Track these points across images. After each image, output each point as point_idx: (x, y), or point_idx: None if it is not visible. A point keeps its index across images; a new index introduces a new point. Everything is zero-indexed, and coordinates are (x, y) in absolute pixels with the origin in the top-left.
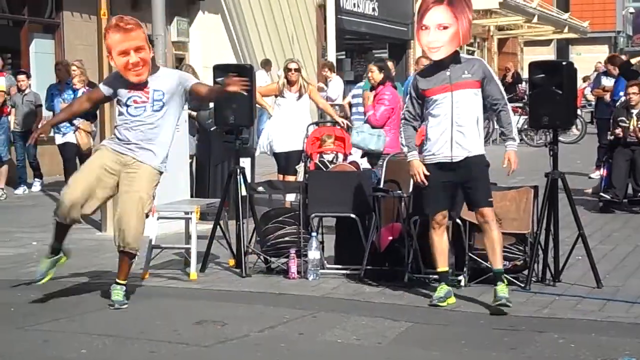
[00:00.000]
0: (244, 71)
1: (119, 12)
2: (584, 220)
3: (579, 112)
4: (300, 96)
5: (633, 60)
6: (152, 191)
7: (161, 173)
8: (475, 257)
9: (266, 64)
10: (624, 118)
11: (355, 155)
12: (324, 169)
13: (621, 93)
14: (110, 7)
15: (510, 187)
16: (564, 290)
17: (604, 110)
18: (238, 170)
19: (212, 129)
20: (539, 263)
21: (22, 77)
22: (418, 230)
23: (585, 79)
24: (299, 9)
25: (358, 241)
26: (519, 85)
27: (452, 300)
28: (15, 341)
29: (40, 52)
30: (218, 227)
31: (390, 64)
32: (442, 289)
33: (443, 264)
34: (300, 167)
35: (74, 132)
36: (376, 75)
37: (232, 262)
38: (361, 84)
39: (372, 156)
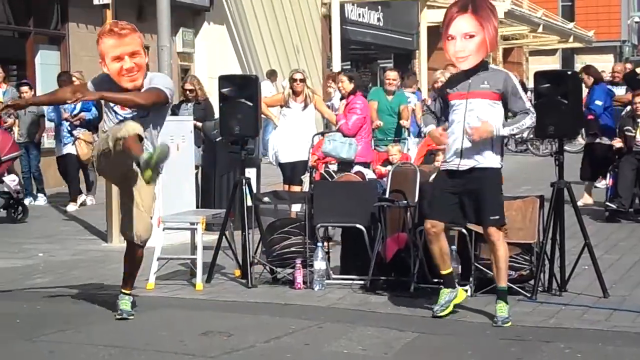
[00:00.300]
0: (249, 82)
1: None
2: (589, 229)
3: None
4: (305, 106)
5: (638, 70)
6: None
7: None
8: (481, 267)
9: (272, 75)
10: (630, 127)
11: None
12: (330, 179)
13: (597, 102)
14: (116, 18)
15: (516, 196)
16: (570, 300)
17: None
18: (244, 181)
19: (217, 140)
20: (545, 273)
21: (25, 88)
22: (424, 240)
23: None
24: (304, 20)
25: (364, 251)
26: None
27: (461, 297)
28: (21, 352)
29: (45, 63)
30: (224, 237)
31: (395, 74)
32: (443, 295)
33: (445, 268)
34: (306, 178)
35: (73, 144)
36: (346, 85)
37: (237, 272)
38: (410, 91)
39: (344, 164)
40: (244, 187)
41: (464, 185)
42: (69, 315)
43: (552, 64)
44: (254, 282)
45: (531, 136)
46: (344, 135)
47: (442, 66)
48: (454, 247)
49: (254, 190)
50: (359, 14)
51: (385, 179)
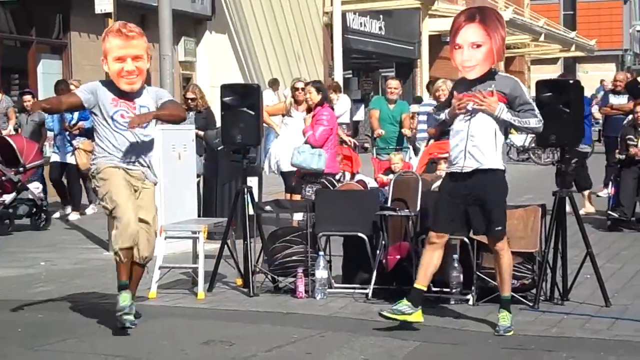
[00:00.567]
0: (251, 91)
1: None
2: (592, 238)
3: None
4: None
5: None
6: (156, 206)
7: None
8: (483, 276)
9: (274, 84)
10: (632, 136)
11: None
12: (332, 188)
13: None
14: None
15: (518, 205)
16: (573, 309)
17: (612, 129)
18: (245, 190)
19: (219, 148)
20: (547, 282)
21: (28, 97)
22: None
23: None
24: (306, 29)
25: (366, 260)
26: None
27: (418, 317)
28: None
29: (47, 72)
30: (225, 246)
31: (396, 82)
32: (399, 303)
33: (421, 281)
34: None
35: (73, 153)
36: (314, 96)
37: (239, 281)
38: (428, 102)
39: (313, 175)
40: (245, 196)
41: (469, 193)
42: (70, 324)
43: (554, 72)
44: (256, 291)
45: (533, 145)
46: (312, 147)
47: (443, 75)
48: (455, 256)
49: (256, 199)
50: (361, 23)
51: (387, 188)
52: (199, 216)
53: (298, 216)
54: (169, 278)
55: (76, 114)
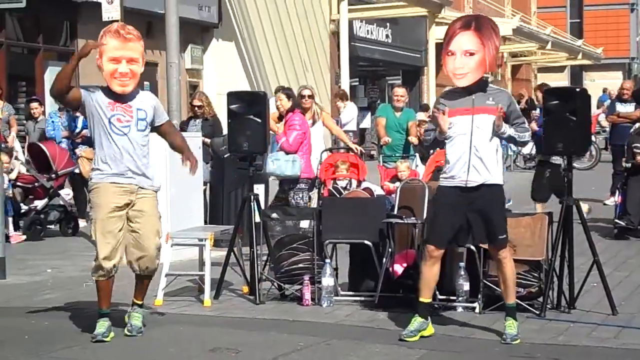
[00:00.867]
0: (258, 98)
1: None
2: (598, 247)
3: (593, 138)
4: (313, 123)
5: None
6: (159, 212)
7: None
8: (490, 284)
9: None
10: (639, 145)
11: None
12: (338, 196)
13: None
14: None
15: (524, 213)
16: (579, 317)
17: (619, 137)
18: (252, 197)
19: (225, 156)
20: (554, 290)
21: (35, 104)
22: None
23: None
24: (313, 36)
25: (372, 268)
26: (533, 111)
27: (429, 331)
28: None
29: None
30: (232, 253)
31: (403, 90)
32: (415, 322)
33: (426, 295)
34: (314, 194)
35: (76, 162)
36: (285, 103)
37: (245, 289)
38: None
39: (289, 182)
40: (252, 203)
41: (470, 204)
42: (76, 331)
43: (561, 80)
44: (262, 299)
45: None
46: (287, 153)
47: (450, 83)
48: (462, 264)
49: (262, 207)
50: (368, 31)
51: (393, 196)
52: (205, 224)
53: (305, 223)
54: (176, 285)
55: (80, 122)
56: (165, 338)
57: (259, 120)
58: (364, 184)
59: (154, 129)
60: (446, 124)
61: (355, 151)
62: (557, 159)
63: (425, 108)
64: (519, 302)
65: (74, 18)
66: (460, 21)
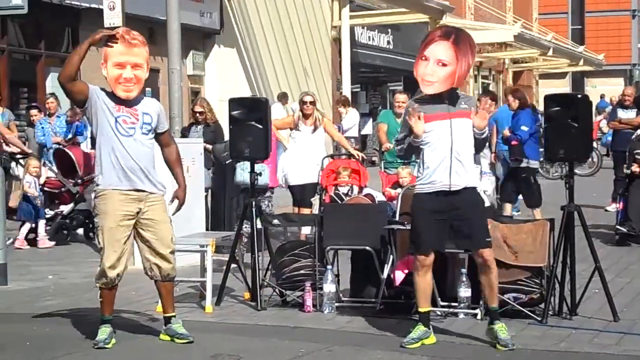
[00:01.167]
0: (259, 104)
1: None
2: (600, 253)
3: (594, 144)
4: (315, 129)
5: None
6: (169, 218)
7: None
8: None
9: (283, 97)
10: None
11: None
12: (339, 202)
13: (523, 127)
14: None
15: (526, 219)
16: (581, 323)
17: (621, 143)
18: (253, 203)
19: (227, 162)
20: (556, 296)
21: (34, 111)
22: (434, 264)
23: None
24: (314, 42)
25: (374, 274)
26: None
27: (431, 340)
28: None
29: (56, 86)
30: (233, 260)
31: (404, 96)
32: (418, 330)
33: (424, 305)
34: (316, 200)
35: None
36: None
37: (247, 295)
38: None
39: (257, 191)
40: (253, 210)
41: (453, 209)
42: (78, 338)
43: (562, 87)
44: (264, 305)
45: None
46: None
47: (462, 85)
48: (464, 270)
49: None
50: (369, 37)
51: (395, 202)
52: (207, 230)
53: (306, 230)
54: (177, 292)
55: (73, 129)
56: (167, 344)
57: (261, 126)
58: (366, 190)
59: (155, 136)
60: (421, 127)
61: (357, 157)
62: (534, 163)
63: None
64: (521, 308)
65: (76, 24)
66: (440, 30)
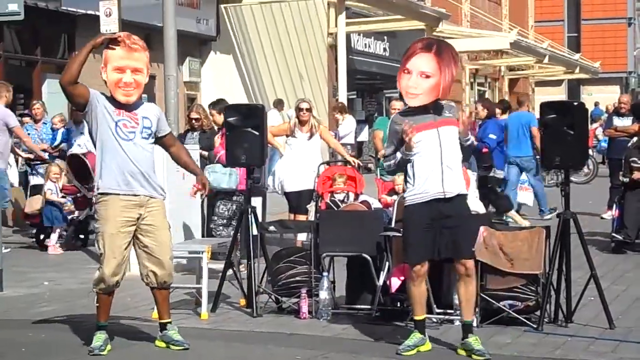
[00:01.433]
0: (256, 111)
1: None
2: (596, 260)
3: (590, 152)
4: (311, 136)
5: None
6: (168, 223)
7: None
8: (488, 298)
9: (279, 104)
10: (636, 159)
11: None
12: (335, 209)
13: (491, 135)
14: None
15: (522, 227)
16: (577, 331)
17: (616, 151)
18: (249, 210)
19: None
20: (551, 304)
21: (26, 118)
22: (429, 271)
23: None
24: (310, 49)
25: (370, 281)
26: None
27: (427, 347)
28: None
29: (52, 92)
30: (230, 266)
31: (400, 103)
32: (413, 337)
33: (420, 313)
34: (312, 207)
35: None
36: (218, 118)
37: (243, 301)
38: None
39: (225, 194)
40: (249, 216)
41: (443, 217)
42: (73, 344)
43: (558, 94)
44: (259, 312)
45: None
46: (224, 166)
47: (449, 97)
48: None
49: (260, 219)
50: (365, 44)
51: (391, 209)
52: (202, 236)
53: (302, 236)
54: (173, 298)
55: (59, 136)
56: (163, 351)
57: (257, 133)
58: (362, 197)
59: (157, 140)
60: (416, 139)
61: (353, 164)
62: (499, 173)
63: None
64: (517, 315)
65: (72, 31)
66: (422, 42)
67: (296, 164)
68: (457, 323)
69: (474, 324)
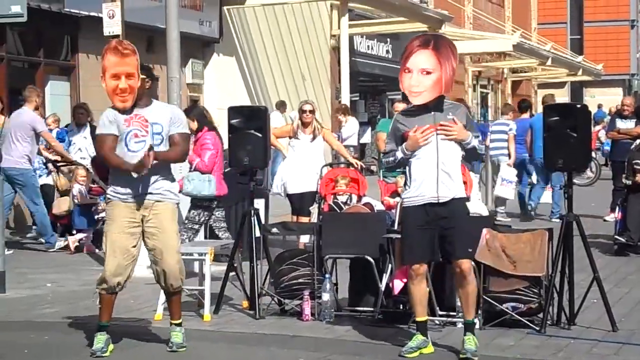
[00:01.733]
0: (258, 113)
1: None
2: (598, 263)
3: (593, 154)
4: (314, 138)
5: None
6: (177, 226)
7: (177, 204)
8: (490, 300)
9: (281, 106)
10: (639, 161)
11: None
12: (338, 211)
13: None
14: None
15: (525, 229)
16: (579, 333)
17: (619, 153)
18: (252, 212)
19: (226, 170)
20: (554, 306)
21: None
22: (432, 273)
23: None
24: (313, 51)
25: (372, 283)
26: None
27: (429, 349)
28: None
29: (55, 93)
30: (232, 268)
31: (403, 105)
32: (416, 339)
33: (421, 314)
34: (314, 209)
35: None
36: (192, 125)
37: (245, 303)
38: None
39: (204, 201)
40: (252, 218)
41: (440, 219)
42: (76, 346)
43: (561, 96)
44: (262, 314)
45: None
46: (202, 173)
47: (450, 97)
48: None
49: (263, 221)
50: (368, 46)
51: (393, 211)
52: (205, 238)
53: (305, 238)
54: None
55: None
56: (165, 353)
57: (260, 135)
58: (364, 199)
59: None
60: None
61: (356, 166)
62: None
63: None
64: (519, 317)
65: (75, 32)
66: (419, 39)
67: (299, 166)
68: (460, 325)
69: (477, 325)
